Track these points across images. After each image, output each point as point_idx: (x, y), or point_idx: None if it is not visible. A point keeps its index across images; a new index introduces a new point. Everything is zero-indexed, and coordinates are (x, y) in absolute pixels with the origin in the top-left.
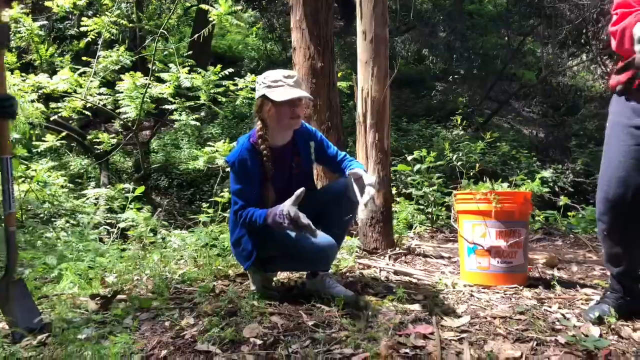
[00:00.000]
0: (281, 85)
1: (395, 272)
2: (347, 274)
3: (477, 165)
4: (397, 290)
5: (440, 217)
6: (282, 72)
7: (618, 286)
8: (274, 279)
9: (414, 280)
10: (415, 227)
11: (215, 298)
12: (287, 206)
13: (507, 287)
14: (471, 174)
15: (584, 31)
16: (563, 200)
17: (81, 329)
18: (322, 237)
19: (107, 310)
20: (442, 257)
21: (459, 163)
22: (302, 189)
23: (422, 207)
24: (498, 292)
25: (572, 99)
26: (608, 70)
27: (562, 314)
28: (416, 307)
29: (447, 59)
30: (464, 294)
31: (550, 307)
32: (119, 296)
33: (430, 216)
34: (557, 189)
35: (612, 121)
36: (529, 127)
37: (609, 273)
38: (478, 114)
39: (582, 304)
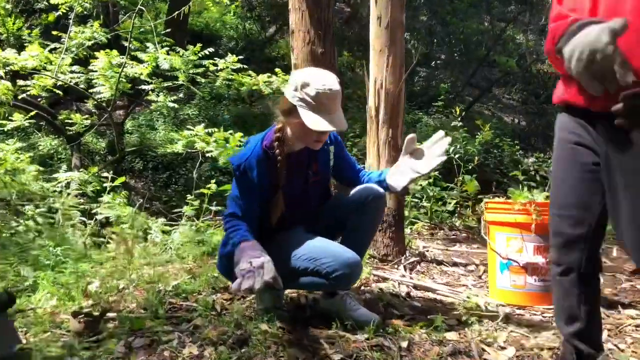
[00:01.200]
0: (319, 108)
1: (416, 287)
2: (362, 287)
3: (476, 158)
4: (434, 320)
5: (438, 213)
6: (326, 84)
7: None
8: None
9: (439, 297)
10: (410, 223)
11: (218, 319)
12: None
13: (545, 307)
14: (469, 167)
15: None
16: None
17: None
18: (345, 252)
19: (93, 331)
20: (457, 265)
21: (457, 156)
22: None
23: (416, 200)
24: (536, 314)
25: (552, 86)
26: None
27: (615, 344)
28: (452, 335)
29: (429, 43)
30: (499, 317)
31: None
32: (108, 314)
33: (427, 212)
34: (538, 178)
35: (559, 139)
36: (510, 115)
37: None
38: (459, 100)
39: (631, 330)
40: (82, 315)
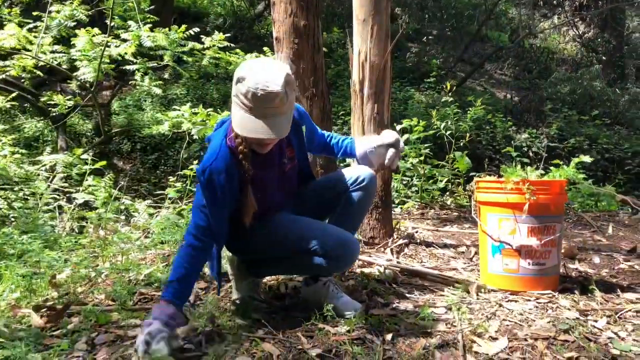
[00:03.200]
0: (247, 109)
1: (403, 271)
2: (346, 273)
3: (467, 135)
4: (421, 310)
5: (429, 191)
6: (262, 84)
7: None
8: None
9: (427, 283)
10: (401, 203)
11: (190, 311)
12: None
13: (539, 292)
14: (461, 144)
15: None
16: (554, 172)
17: None
18: (344, 232)
19: (55, 325)
20: (446, 247)
21: (448, 132)
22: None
23: (407, 179)
24: (529, 300)
25: (544, 61)
26: (580, 32)
27: (615, 332)
28: (440, 325)
29: (420, 19)
30: (490, 303)
31: (596, 321)
32: (72, 307)
33: (418, 190)
34: (531, 154)
35: None
36: (503, 90)
37: None
38: (452, 76)
39: (632, 316)
40: (45, 309)
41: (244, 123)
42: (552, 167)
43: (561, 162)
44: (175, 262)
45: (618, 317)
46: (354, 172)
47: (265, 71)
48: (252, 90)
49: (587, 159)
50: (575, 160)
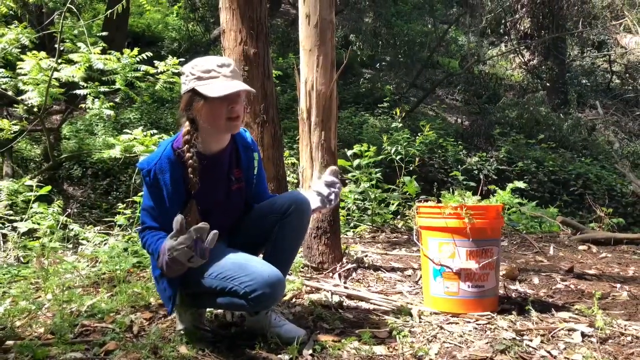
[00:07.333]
0: (215, 76)
1: (349, 297)
2: (294, 300)
3: (417, 159)
4: (362, 334)
5: (380, 215)
6: (215, 59)
7: None
8: (207, 310)
9: (372, 307)
10: (353, 226)
11: (133, 342)
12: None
13: (479, 314)
14: (411, 168)
15: (503, 21)
16: (498, 197)
17: None
18: (266, 270)
19: None
20: (394, 270)
21: (398, 157)
22: (215, 231)
23: (359, 203)
24: (469, 322)
25: (492, 87)
26: (525, 59)
27: (548, 351)
28: (382, 349)
29: (374, 45)
30: (432, 326)
31: (531, 340)
32: (7, 342)
33: (369, 214)
34: (481, 177)
35: None
36: (454, 115)
37: None
38: (404, 101)
39: (564, 334)
40: None
41: (220, 86)
42: (498, 190)
43: (497, 188)
44: (149, 250)
45: (551, 335)
46: (285, 199)
47: (205, 57)
48: (212, 61)
49: (521, 184)
50: (511, 185)
